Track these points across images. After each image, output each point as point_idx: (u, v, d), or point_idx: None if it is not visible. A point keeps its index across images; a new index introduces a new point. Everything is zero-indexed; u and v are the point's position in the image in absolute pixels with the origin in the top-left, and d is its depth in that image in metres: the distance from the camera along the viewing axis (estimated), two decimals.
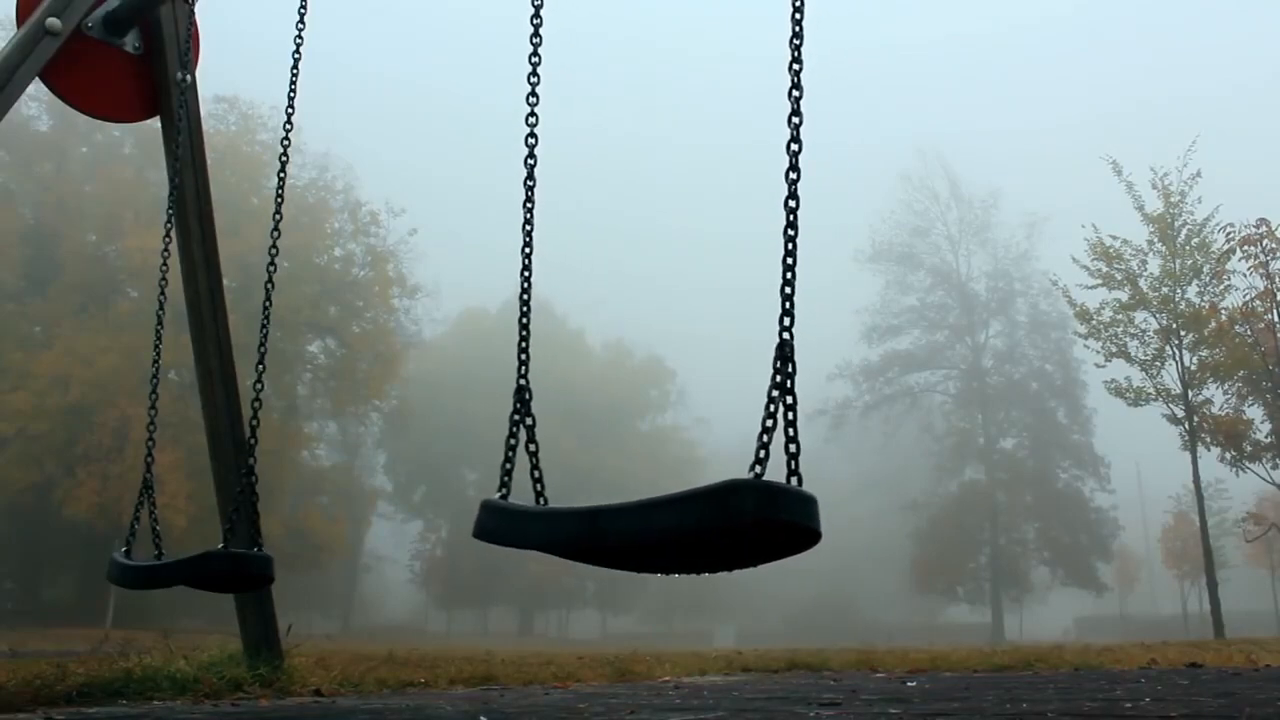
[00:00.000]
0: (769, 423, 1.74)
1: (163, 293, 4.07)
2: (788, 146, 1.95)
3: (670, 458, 58.32)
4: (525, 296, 2.44)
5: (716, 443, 64.56)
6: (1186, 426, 21.58)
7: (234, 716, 3.21)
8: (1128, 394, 22.30)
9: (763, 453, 1.73)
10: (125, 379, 30.29)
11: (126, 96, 4.52)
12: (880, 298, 51.00)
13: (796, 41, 2.02)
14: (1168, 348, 21.94)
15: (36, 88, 4.27)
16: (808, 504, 1.69)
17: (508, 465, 2.15)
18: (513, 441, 2.18)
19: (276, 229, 3.66)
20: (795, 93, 1.99)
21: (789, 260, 1.88)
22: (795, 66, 2.00)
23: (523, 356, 2.31)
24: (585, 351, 61.84)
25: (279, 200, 3.72)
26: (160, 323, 4.04)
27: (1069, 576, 47.13)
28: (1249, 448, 22.05)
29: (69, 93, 4.35)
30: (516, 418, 2.20)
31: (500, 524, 2.02)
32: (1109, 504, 48.14)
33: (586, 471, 49.48)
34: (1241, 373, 21.90)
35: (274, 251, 3.65)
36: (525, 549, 2.02)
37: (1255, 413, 22.27)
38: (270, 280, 3.61)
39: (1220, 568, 26.21)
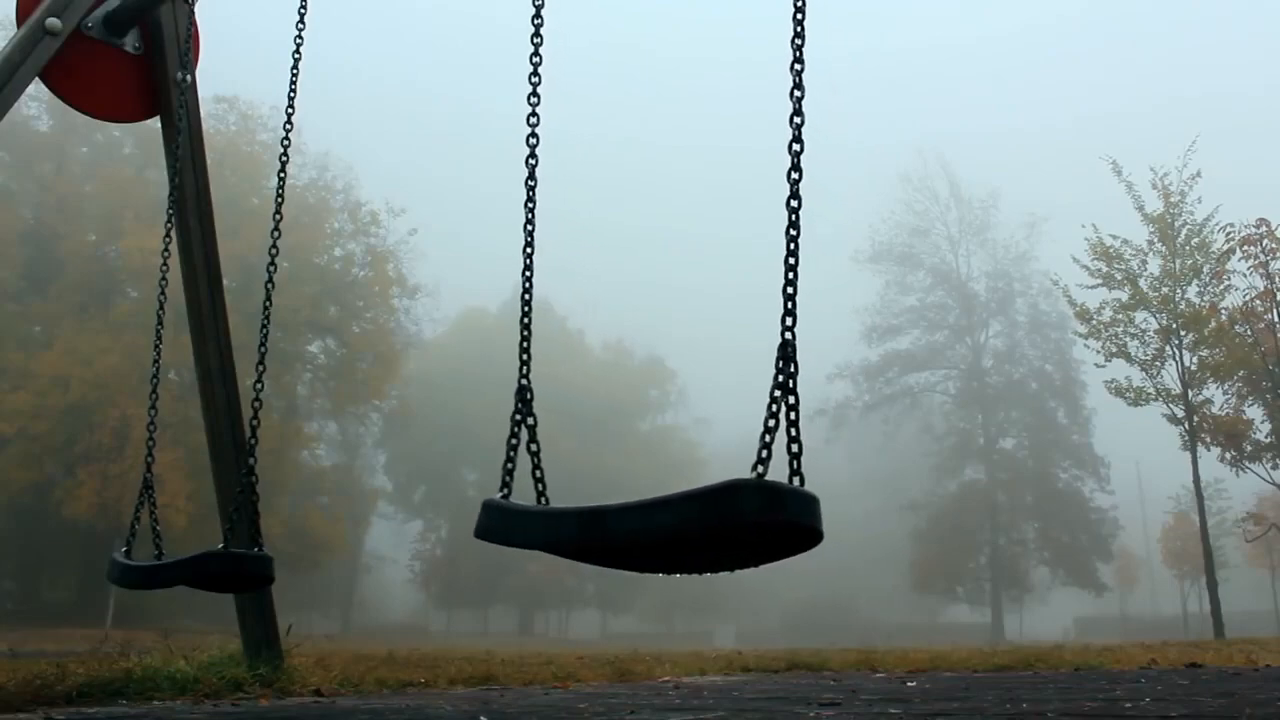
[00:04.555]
0: (771, 423, 1.74)
1: (163, 293, 4.07)
2: (789, 146, 1.95)
3: (671, 458, 58.33)
4: (527, 296, 2.44)
5: (717, 443, 64.57)
6: (1186, 426, 21.57)
7: (234, 716, 3.21)
8: (1128, 394, 22.28)
9: (765, 453, 1.72)
10: (125, 379, 30.29)
11: (126, 96, 4.51)
12: (880, 298, 51.07)
13: (798, 41, 2.02)
14: (1168, 348, 21.93)
15: (36, 88, 4.27)
16: (809, 504, 1.69)
17: (509, 465, 2.14)
18: (514, 441, 2.17)
19: (276, 229, 3.66)
20: (797, 93, 1.99)
21: (791, 260, 1.88)
22: (797, 66, 2.01)
23: (524, 357, 2.30)
24: (585, 352, 61.86)
25: (279, 200, 3.72)
26: (160, 323, 4.04)
27: (1069, 576, 47.13)
28: (1249, 448, 22.05)
29: (69, 93, 4.35)
30: (518, 417, 2.19)
31: (502, 524, 2.02)
32: (1109, 504, 48.16)
33: (587, 472, 49.47)
34: (1241, 373, 21.90)
35: (274, 251, 3.64)
36: (527, 549, 2.01)
37: (1255, 413, 22.28)
38: (270, 280, 3.61)
39: (1220, 568, 26.21)
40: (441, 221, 67.81)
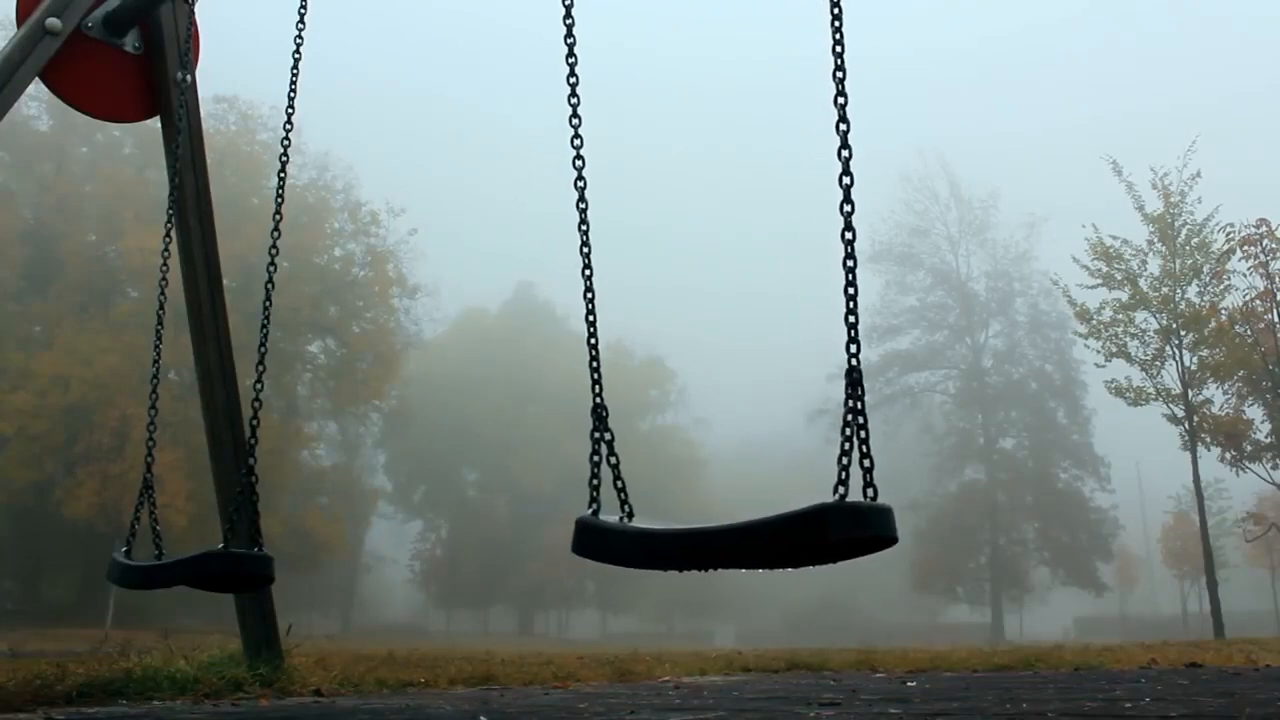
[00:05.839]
0: (846, 445, 1.87)
1: (163, 293, 4.06)
2: (840, 180, 2.03)
3: (671, 458, 58.21)
4: (591, 316, 2.46)
5: (717, 443, 64.59)
6: (1186, 426, 21.56)
7: (234, 716, 3.21)
8: (1128, 394, 22.27)
9: (844, 474, 1.86)
10: (125, 379, 30.29)
11: (126, 96, 4.51)
12: (880, 298, 51.03)
13: (840, 75, 2.05)
14: (1168, 348, 21.91)
15: (36, 88, 4.27)
16: (886, 516, 1.86)
17: (595, 481, 2.26)
18: (596, 458, 2.27)
19: (276, 229, 3.66)
20: (843, 126, 2.05)
21: (850, 290, 1.94)
22: (840, 100, 2.04)
23: (595, 375, 2.34)
24: (586, 352, 61.73)
25: (279, 200, 3.71)
26: (160, 323, 4.04)
27: (1069, 576, 47.12)
28: (1249, 448, 22.04)
29: (69, 93, 4.35)
30: (597, 434, 2.29)
31: (599, 543, 2.15)
32: (1109, 504, 48.14)
33: (588, 471, 49.41)
34: (1241, 373, 21.88)
35: (274, 251, 3.64)
36: (623, 566, 2.15)
37: (1255, 413, 22.27)
38: (270, 280, 3.60)
39: (1220, 568, 26.21)
40: (441, 221, 67.88)
